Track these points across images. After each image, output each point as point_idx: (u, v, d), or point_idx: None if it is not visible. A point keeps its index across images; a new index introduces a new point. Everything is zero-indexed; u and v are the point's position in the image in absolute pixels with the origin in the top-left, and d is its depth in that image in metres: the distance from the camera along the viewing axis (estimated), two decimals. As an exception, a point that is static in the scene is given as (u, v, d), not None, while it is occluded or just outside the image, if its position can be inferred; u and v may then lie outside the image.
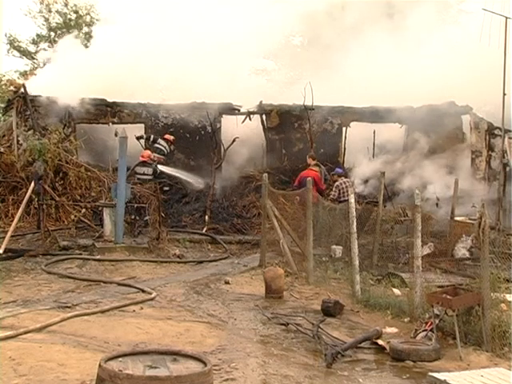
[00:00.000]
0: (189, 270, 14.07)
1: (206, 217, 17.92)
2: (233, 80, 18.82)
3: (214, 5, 21.93)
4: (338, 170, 17.57)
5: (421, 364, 8.40)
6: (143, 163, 18.02)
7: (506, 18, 16.99)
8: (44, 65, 26.85)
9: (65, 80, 19.11)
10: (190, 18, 21.44)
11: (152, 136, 19.47)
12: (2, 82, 30.39)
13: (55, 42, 36.41)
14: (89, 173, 17.94)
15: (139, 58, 19.58)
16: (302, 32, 23.21)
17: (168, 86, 19.13)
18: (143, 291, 11.57)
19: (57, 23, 37.18)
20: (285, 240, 14.16)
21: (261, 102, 20.25)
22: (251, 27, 20.73)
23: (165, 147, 19.41)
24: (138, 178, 17.68)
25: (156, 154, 18.96)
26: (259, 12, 21.51)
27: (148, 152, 18.42)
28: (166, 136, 19.49)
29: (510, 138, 19.36)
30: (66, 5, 37.02)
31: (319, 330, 9.33)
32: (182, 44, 20.07)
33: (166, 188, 18.82)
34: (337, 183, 16.92)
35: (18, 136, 18.67)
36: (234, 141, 18.66)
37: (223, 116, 19.49)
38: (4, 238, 14.18)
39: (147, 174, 17.82)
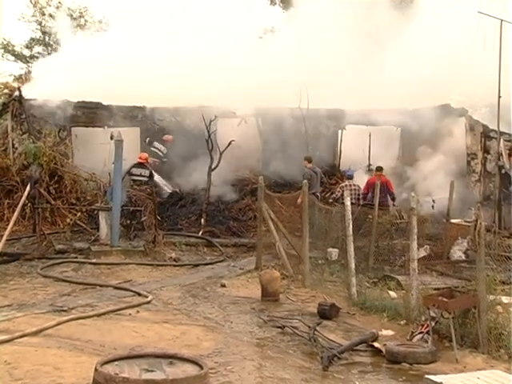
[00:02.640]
0: (185, 273, 14.07)
1: (202, 220, 17.91)
2: (229, 83, 18.78)
3: (211, 7, 21.94)
4: (349, 172, 17.60)
5: (417, 366, 8.41)
6: (140, 165, 18.00)
7: (501, 20, 17.02)
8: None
9: (60, 83, 19.10)
10: (187, 20, 21.43)
11: (148, 139, 19.57)
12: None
13: (49, 45, 36.46)
14: (84, 176, 17.96)
15: (135, 61, 19.56)
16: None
17: (164, 89, 19.07)
18: (139, 294, 11.56)
19: (50, 27, 37.14)
20: (281, 243, 14.15)
21: (257, 105, 20.23)
22: (248, 30, 20.75)
23: (159, 149, 19.56)
24: (134, 180, 17.64)
25: (152, 158, 19.02)
26: (256, 15, 21.52)
27: (146, 154, 18.43)
28: (165, 137, 19.67)
29: (505, 140, 19.39)
30: (58, 8, 36.98)
31: (315, 332, 9.33)
32: (178, 47, 20.05)
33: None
34: (342, 184, 17.00)
35: (13, 140, 18.65)
36: (229, 144, 18.64)
37: (219, 119, 19.46)
38: (-1, 241, 14.16)
39: (144, 176, 17.80)
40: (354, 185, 17.20)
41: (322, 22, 21.66)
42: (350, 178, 17.37)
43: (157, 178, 18.68)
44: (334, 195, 16.94)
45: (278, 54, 20.30)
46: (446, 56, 19.54)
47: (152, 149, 19.47)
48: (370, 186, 16.93)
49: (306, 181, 14.05)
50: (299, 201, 14.83)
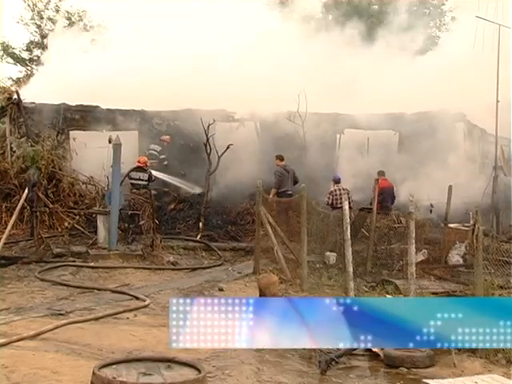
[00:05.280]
0: (183, 277, 14.06)
1: (200, 224, 17.90)
2: (227, 86, 18.81)
3: (208, 11, 21.96)
4: (336, 176, 17.53)
5: (415, 371, 8.41)
6: (139, 168, 17.98)
7: (499, 25, 17.09)
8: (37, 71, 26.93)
9: (58, 86, 19.11)
10: (185, 23, 21.46)
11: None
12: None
13: (48, 48, 36.42)
14: (83, 179, 17.98)
15: (134, 65, 19.57)
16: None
17: (162, 93, 19.09)
18: (137, 298, 11.55)
19: (49, 30, 37.13)
20: (279, 247, 14.15)
21: (254, 108, 20.25)
22: (245, 34, 20.76)
23: (155, 150, 19.65)
24: (133, 184, 17.64)
25: (150, 160, 19.06)
26: (253, 19, 21.54)
27: (145, 158, 18.42)
28: (162, 137, 19.75)
29: (503, 145, 19.43)
30: (57, 11, 36.97)
31: (313, 336, 9.31)
32: (176, 50, 20.07)
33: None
34: (331, 189, 16.90)
35: (11, 143, 18.63)
36: (227, 148, 18.64)
37: (217, 123, 19.47)
38: (-3, 245, 14.14)
39: (142, 180, 17.77)
40: (343, 189, 17.04)
41: (321, 25, 21.72)
42: (337, 181, 17.20)
43: (172, 179, 18.70)
44: (325, 201, 16.86)
45: (276, 57, 20.32)
46: (445, 60, 19.60)
47: (149, 151, 19.55)
48: (382, 191, 16.96)
49: (303, 185, 14.04)
50: (270, 197, 14.88)
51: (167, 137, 19.92)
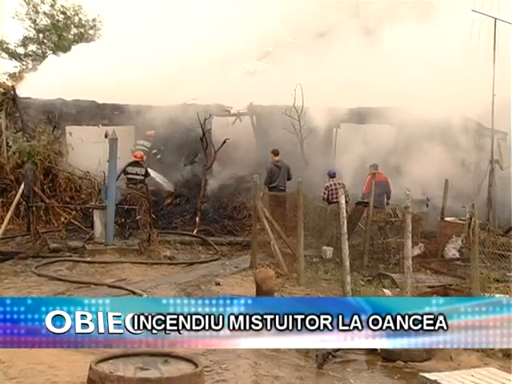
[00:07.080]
0: (180, 272, 14.06)
1: (197, 218, 17.89)
2: (223, 81, 18.78)
3: (204, 6, 21.93)
4: (331, 170, 17.47)
5: (412, 364, 8.43)
6: (135, 163, 17.92)
7: (495, 18, 17.07)
8: (33, 66, 26.89)
9: (55, 81, 19.07)
10: (180, 19, 21.43)
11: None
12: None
13: (43, 43, 36.40)
14: (79, 174, 17.97)
15: (130, 59, 19.54)
16: (292, 32, 23.26)
17: (158, 88, 19.06)
18: (134, 293, 11.52)
19: (44, 25, 37.04)
20: (276, 241, 14.15)
21: (251, 103, 20.23)
22: (242, 28, 20.73)
23: (143, 145, 19.57)
24: (129, 179, 17.58)
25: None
26: (249, 13, 21.52)
27: (141, 153, 18.37)
28: (147, 133, 19.67)
29: (499, 138, 19.43)
30: (52, 6, 36.85)
31: (310, 330, 9.31)
32: (172, 45, 20.04)
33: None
34: (326, 184, 16.86)
35: (7, 138, 18.60)
36: (224, 142, 18.63)
37: (214, 117, 19.45)
38: (-6, 240, 14.13)
39: (139, 174, 17.71)
40: (339, 183, 16.98)
41: (317, 20, 21.69)
42: (333, 176, 17.13)
43: (154, 174, 18.66)
44: (321, 197, 16.83)
45: (272, 53, 20.32)
46: (441, 54, 19.57)
47: (137, 147, 19.45)
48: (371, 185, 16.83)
49: (300, 179, 14.03)
50: (261, 194, 14.94)
51: (152, 131, 19.79)
